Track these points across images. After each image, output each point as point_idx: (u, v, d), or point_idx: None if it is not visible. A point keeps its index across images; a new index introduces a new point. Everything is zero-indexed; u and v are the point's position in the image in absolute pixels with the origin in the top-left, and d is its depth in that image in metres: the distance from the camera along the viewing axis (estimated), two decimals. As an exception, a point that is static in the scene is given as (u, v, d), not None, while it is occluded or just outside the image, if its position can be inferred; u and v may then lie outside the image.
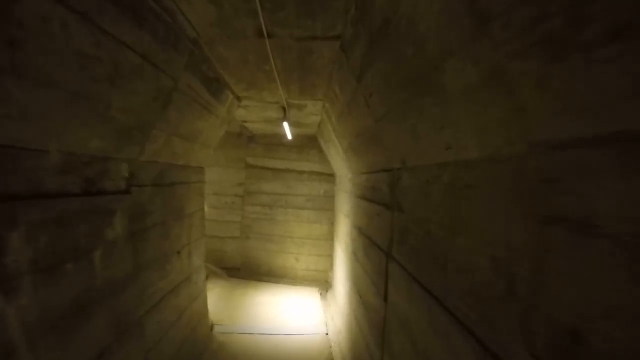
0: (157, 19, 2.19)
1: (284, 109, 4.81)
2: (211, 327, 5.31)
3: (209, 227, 7.88)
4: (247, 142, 7.74)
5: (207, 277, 7.62)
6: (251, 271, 7.89)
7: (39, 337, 1.80)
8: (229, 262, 7.92)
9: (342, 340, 4.68)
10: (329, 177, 7.50)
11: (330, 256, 7.58)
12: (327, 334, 5.42)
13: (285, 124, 5.04)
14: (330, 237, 7.54)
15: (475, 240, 1.29)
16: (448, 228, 1.52)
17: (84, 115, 1.95)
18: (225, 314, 5.95)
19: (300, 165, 7.58)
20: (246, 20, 2.40)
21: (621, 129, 0.72)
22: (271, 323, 5.69)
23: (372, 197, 3.19)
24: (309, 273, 7.72)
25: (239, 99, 4.51)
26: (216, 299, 6.59)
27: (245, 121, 6.09)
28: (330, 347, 5.02)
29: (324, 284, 7.64)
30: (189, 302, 4.21)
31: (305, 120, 5.71)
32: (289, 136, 6.34)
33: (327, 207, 7.52)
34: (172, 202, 3.58)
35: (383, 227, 2.74)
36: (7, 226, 1.61)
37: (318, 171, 7.53)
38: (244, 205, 7.80)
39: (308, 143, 7.55)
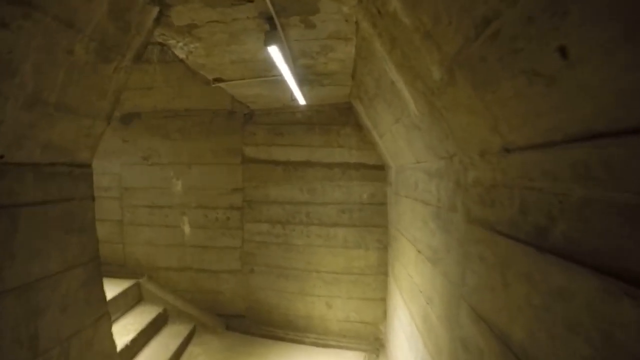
0: None
1: (269, 19, 2.16)
2: None
3: (194, 256, 5.42)
4: (243, 124, 5.18)
5: (192, 333, 5.19)
6: (260, 321, 5.36)
7: None
8: (227, 308, 5.44)
9: None
10: (376, 171, 4.78)
11: (382, 300, 4.88)
12: None
13: (275, 53, 2.39)
14: (381, 270, 4.83)
15: None
16: None
17: None
18: None
19: (328, 154, 4.92)
20: None
21: None
22: None
23: None
24: (349, 326, 5.06)
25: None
26: (193, 386, 4.09)
27: (220, 79, 3.51)
28: None
29: (373, 343, 4.97)
30: None
31: (323, 63, 3.05)
32: (299, 97, 3.72)
33: (375, 220, 4.81)
34: None
35: None
36: None
37: (357, 162, 4.83)
38: (244, 223, 5.25)
39: (338, 117, 4.86)
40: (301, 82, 3.48)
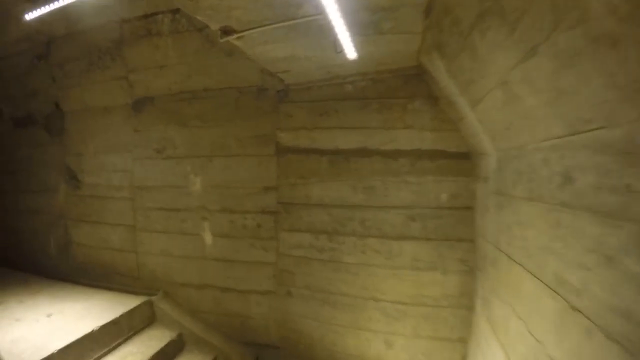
0: None
1: None
2: None
3: (218, 272, 4.58)
4: (277, 104, 4.20)
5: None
6: (298, 355, 4.40)
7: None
8: (258, 336, 4.54)
9: None
10: (460, 160, 3.58)
11: (461, 342, 3.68)
12: None
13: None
14: (463, 303, 3.63)
15: None
16: None
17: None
18: None
19: (391, 138, 3.79)
20: None
21: None
22: None
23: None
24: (418, 374, 3.91)
25: None
26: None
27: (230, 29, 2.54)
28: None
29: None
30: None
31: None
32: (348, 48, 2.68)
33: (457, 232, 3.60)
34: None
35: None
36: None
37: (432, 149, 3.65)
38: (280, 232, 4.28)
39: (403, 87, 3.71)
40: (351, 26, 2.41)
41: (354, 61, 3.11)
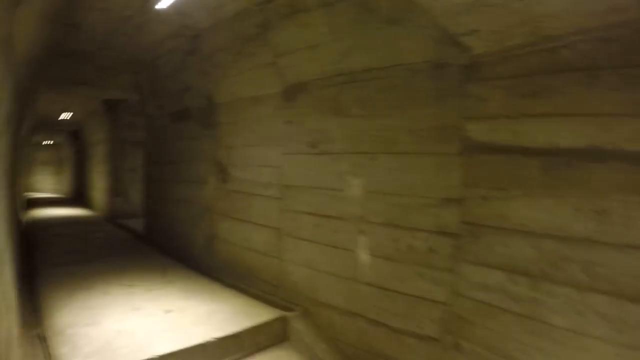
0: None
1: None
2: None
3: (370, 300, 3.88)
4: (461, 83, 3.24)
5: None
6: None
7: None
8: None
9: None
10: None
11: None
12: None
13: None
14: None
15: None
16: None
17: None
18: None
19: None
20: None
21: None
22: None
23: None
24: None
25: None
26: None
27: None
28: None
29: None
30: None
31: None
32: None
33: None
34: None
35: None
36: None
37: None
38: (459, 262, 3.31)
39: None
40: None
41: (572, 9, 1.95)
